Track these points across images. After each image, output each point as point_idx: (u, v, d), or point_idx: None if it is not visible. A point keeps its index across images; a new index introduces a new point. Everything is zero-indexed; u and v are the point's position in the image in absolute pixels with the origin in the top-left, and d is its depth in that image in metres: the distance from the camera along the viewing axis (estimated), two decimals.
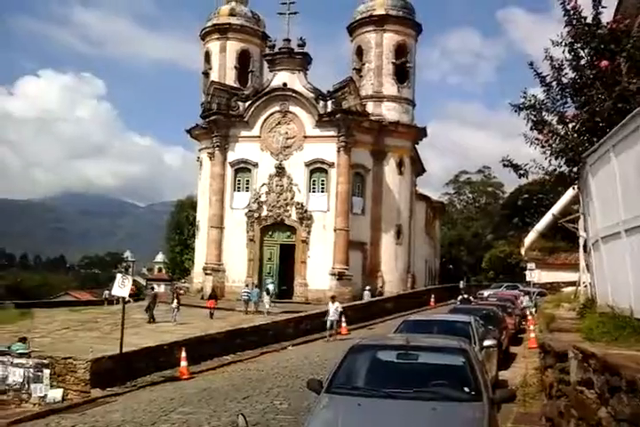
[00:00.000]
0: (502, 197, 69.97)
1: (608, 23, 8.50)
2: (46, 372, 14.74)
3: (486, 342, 10.53)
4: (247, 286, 31.49)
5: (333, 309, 21.74)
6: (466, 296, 31.76)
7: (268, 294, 28.68)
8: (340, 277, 33.04)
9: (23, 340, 16.63)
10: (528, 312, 23.62)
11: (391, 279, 36.06)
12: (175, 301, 24.63)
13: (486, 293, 33.25)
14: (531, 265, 30.80)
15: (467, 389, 5.67)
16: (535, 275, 30.99)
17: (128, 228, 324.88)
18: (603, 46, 8.37)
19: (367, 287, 32.96)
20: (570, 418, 5.59)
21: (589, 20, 8.46)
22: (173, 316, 24.03)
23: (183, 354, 15.52)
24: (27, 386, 14.90)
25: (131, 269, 41.08)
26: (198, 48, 42.31)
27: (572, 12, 8.50)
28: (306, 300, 32.41)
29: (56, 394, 14.35)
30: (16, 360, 15.18)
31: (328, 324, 21.55)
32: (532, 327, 18.20)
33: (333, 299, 22.92)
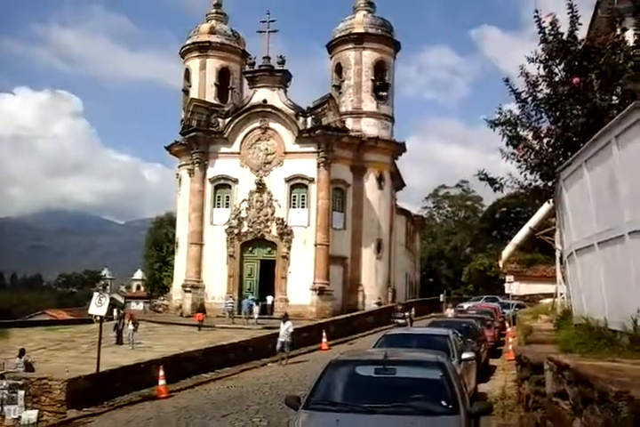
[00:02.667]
0: (481, 211, 70.65)
1: (582, 40, 8.71)
2: (21, 393, 14.33)
3: (465, 355, 10.56)
4: (231, 296, 32.52)
5: (284, 329, 19.39)
6: (404, 320, 24.97)
7: (257, 304, 29.50)
8: (320, 292, 32.99)
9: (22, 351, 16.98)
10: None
11: (372, 293, 36.08)
12: (130, 322, 23.02)
13: (466, 305, 33.46)
14: (509, 278, 31.08)
15: (444, 402, 5.70)
16: (514, 287, 31.31)
17: (107, 245, 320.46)
18: (576, 63, 8.57)
19: (374, 301, 35.00)
20: None
21: (565, 37, 8.65)
22: (131, 339, 22.45)
23: (161, 373, 15.25)
24: (0, 408, 14.51)
25: (109, 287, 40.45)
26: (178, 66, 42.42)
27: (547, 28, 8.69)
28: None
29: (31, 416, 13.95)
30: None
31: (278, 346, 19.33)
32: (510, 340, 18.29)
33: (285, 317, 20.45)
